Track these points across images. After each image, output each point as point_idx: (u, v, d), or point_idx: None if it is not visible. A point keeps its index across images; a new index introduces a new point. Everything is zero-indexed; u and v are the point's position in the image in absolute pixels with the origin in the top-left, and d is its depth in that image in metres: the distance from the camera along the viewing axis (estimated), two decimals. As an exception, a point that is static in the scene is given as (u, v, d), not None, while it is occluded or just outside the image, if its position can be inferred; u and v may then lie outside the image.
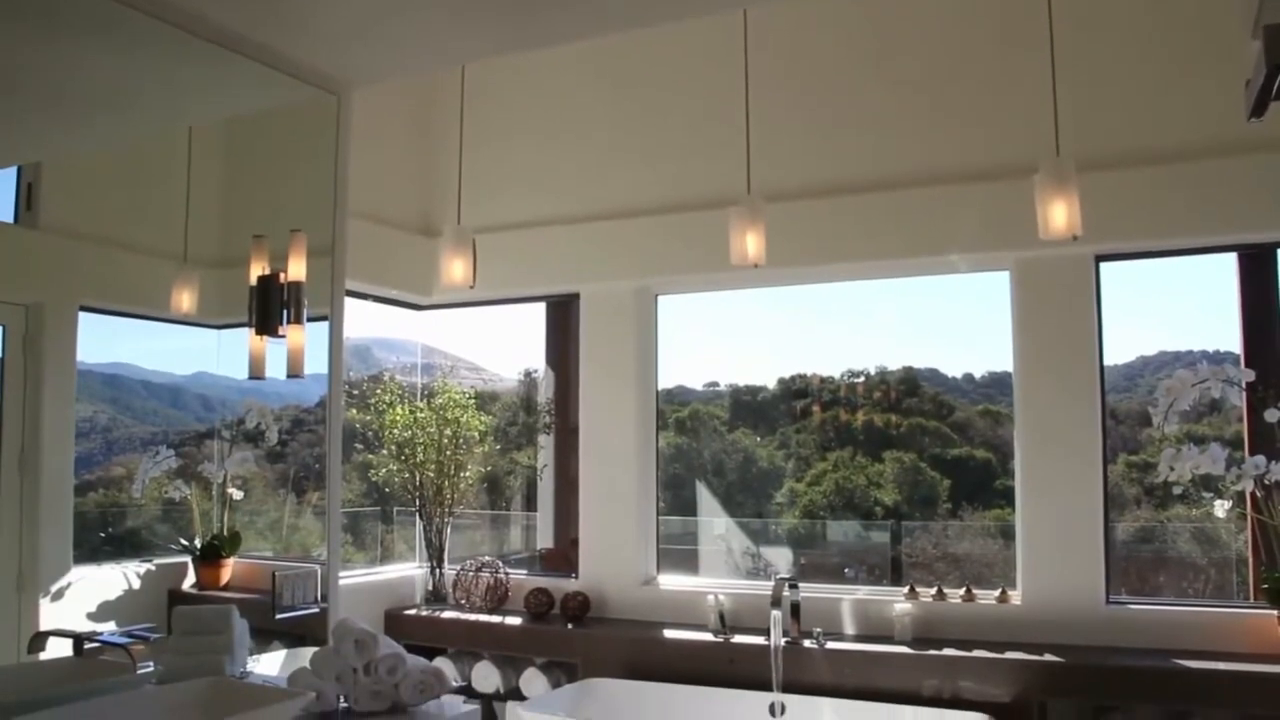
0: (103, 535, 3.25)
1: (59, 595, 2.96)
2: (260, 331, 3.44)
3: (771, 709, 4.38)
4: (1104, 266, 4.59)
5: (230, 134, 3.74)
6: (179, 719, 2.67)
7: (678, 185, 5.39)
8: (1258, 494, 4.16)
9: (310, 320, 3.52)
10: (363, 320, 5.86)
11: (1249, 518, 4.30)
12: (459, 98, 5.06)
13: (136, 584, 3.27)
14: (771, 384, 6.12)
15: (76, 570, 3.04)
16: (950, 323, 5.63)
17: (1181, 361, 4.63)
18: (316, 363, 3.63)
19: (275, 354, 3.49)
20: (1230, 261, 4.52)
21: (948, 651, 4.41)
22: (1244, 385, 4.24)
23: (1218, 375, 4.24)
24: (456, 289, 4.80)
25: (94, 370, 3.20)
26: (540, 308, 6.14)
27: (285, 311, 3.44)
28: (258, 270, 3.44)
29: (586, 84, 5.73)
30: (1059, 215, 3.67)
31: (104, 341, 3.22)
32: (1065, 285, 4.58)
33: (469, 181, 4.94)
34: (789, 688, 4.42)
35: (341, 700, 3.04)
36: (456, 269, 4.69)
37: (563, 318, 6.02)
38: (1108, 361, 4.59)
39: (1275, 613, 4.10)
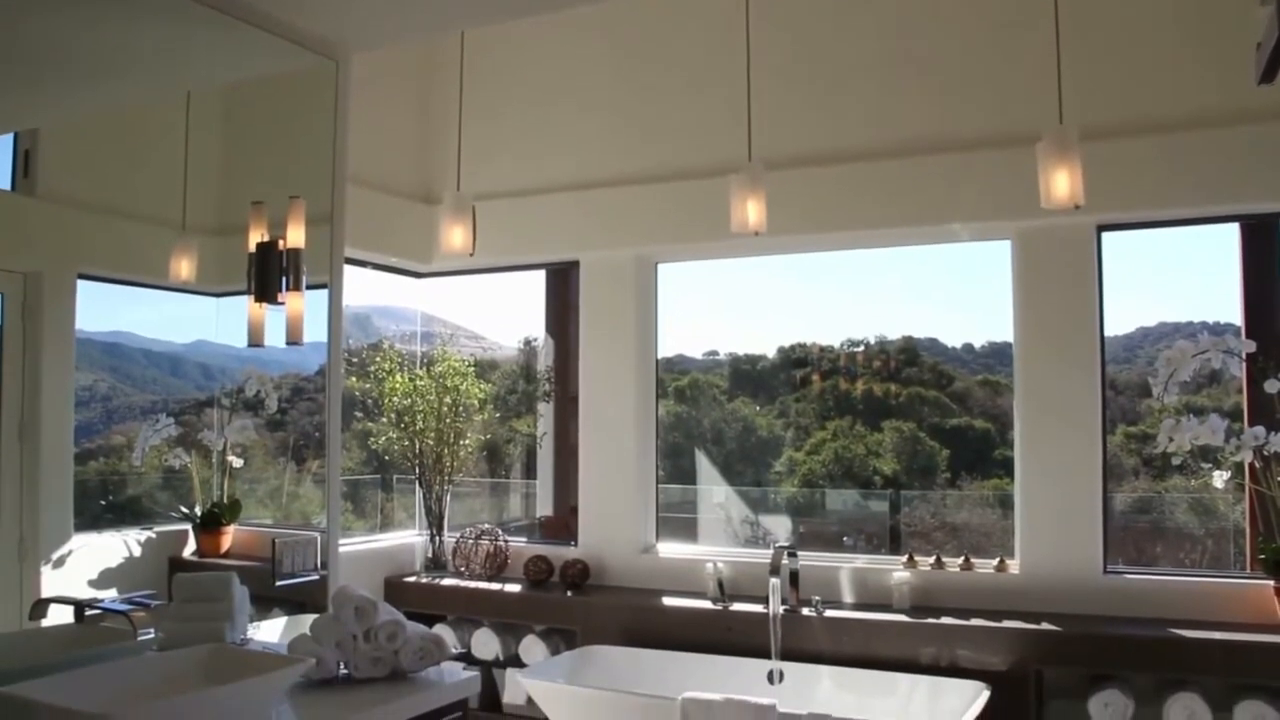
0: (103, 503, 3.25)
1: (60, 563, 2.97)
2: (259, 299, 3.43)
3: (770, 676, 4.41)
4: (1106, 236, 4.57)
5: (229, 101, 3.71)
6: (180, 685, 2.67)
7: (678, 153, 5.36)
8: (1256, 465, 4.17)
9: (309, 288, 3.51)
10: (362, 288, 5.85)
11: (1247, 488, 4.31)
12: (459, 64, 5.03)
13: (137, 552, 3.28)
14: (771, 353, 6.12)
15: (77, 538, 3.04)
16: (950, 293, 5.62)
17: (1181, 333, 4.63)
18: (316, 331, 3.62)
19: (274, 321, 3.48)
20: (1232, 232, 4.51)
21: (945, 620, 4.43)
22: (1244, 356, 4.24)
23: (1218, 346, 4.23)
24: (456, 256, 4.78)
25: (93, 339, 3.19)
26: (540, 275, 6.13)
27: (284, 278, 3.43)
28: (257, 237, 3.43)
29: (588, 50, 5.69)
30: (1061, 184, 3.65)
31: (103, 310, 3.21)
32: (1067, 255, 4.57)
33: (469, 148, 4.91)
34: (787, 655, 4.45)
35: (341, 667, 3.05)
36: (456, 236, 4.68)
37: (562, 285, 6.01)
38: (1108, 332, 4.58)
39: (1272, 583, 4.11)
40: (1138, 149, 4.38)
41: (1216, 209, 4.41)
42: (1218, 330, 4.46)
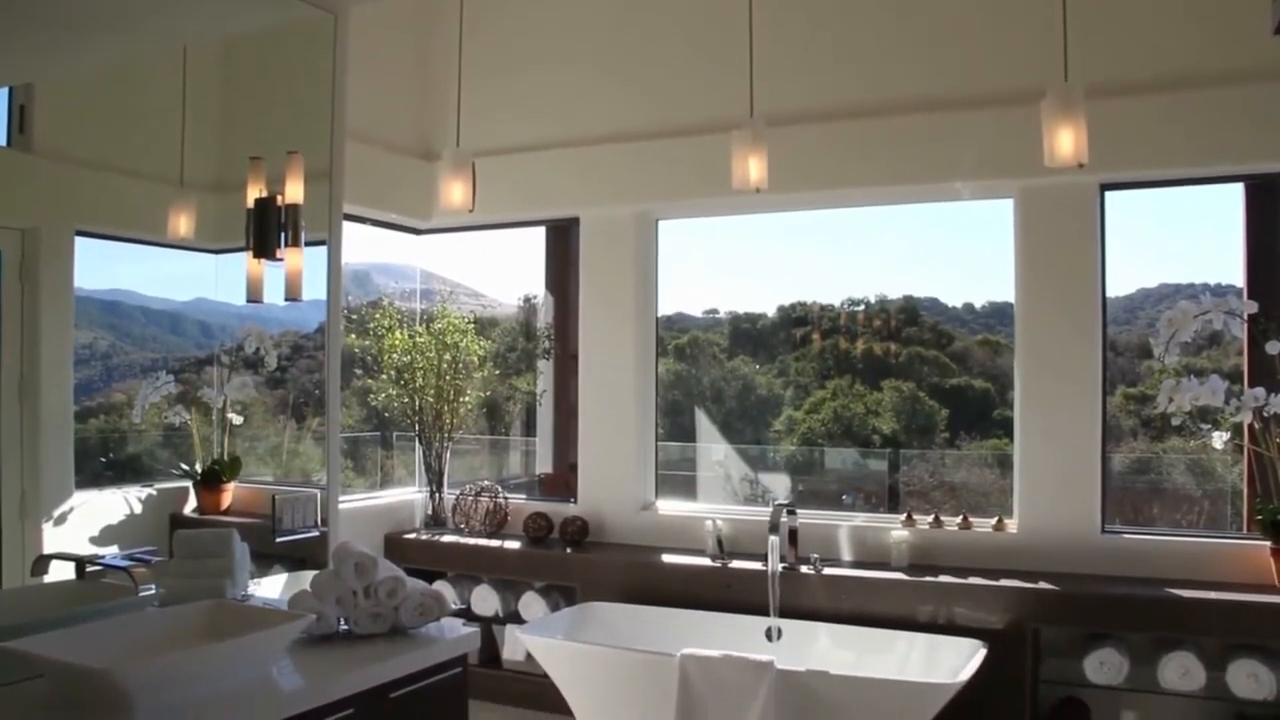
0: (104, 460, 3.25)
1: (61, 520, 2.97)
2: (258, 254, 3.41)
3: (768, 633, 4.44)
4: (1109, 196, 4.55)
5: (227, 55, 3.67)
6: (181, 641, 2.69)
7: (679, 109, 5.32)
8: (1255, 426, 4.17)
9: (308, 244, 3.49)
10: (361, 245, 5.83)
11: (1246, 450, 4.32)
12: (458, 19, 4.97)
13: (138, 509, 3.28)
14: (771, 311, 6.10)
15: (78, 495, 3.05)
16: (951, 252, 5.60)
17: (1183, 294, 4.62)
18: (315, 289, 3.60)
19: (273, 278, 3.46)
20: (1236, 192, 4.48)
21: (943, 578, 4.46)
22: (1245, 317, 4.23)
23: (1220, 307, 4.22)
24: (456, 213, 4.76)
25: (93, 296, 3.18)
26: (540, 232, 6.10)
27: (283, 234, 3.41)
28: (255, 193, 3.40)
29: (589, 4, 5.63)
30: (1065, 142, 3.61)
31: (102, 267, 3.19)
32: (1069, 214, 4.54)
33: (468, 104, 4.87)
34: (786, 612, 4.47)
35: (342, 623, 3.07)
36: (455, 192, 4.65)
37: (562, 242, 5.98)
38: (1108, 293, 4.57)
39: (1268, 544, 4.13)
40: (1142, 107, 4.34)
41: (1221, 169, 4.39)
42: (1219, 292, 4.45)
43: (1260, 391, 4.11)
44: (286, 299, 3.49)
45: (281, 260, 3.43)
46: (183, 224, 3.37)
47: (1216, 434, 4.30)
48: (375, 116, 5.48)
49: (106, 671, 2.28)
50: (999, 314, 5.59)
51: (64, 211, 3.05)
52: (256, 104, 3.75)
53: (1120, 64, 4.40)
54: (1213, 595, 4.05)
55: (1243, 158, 4.27)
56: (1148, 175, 4.48)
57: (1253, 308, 4.20)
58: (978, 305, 5.83)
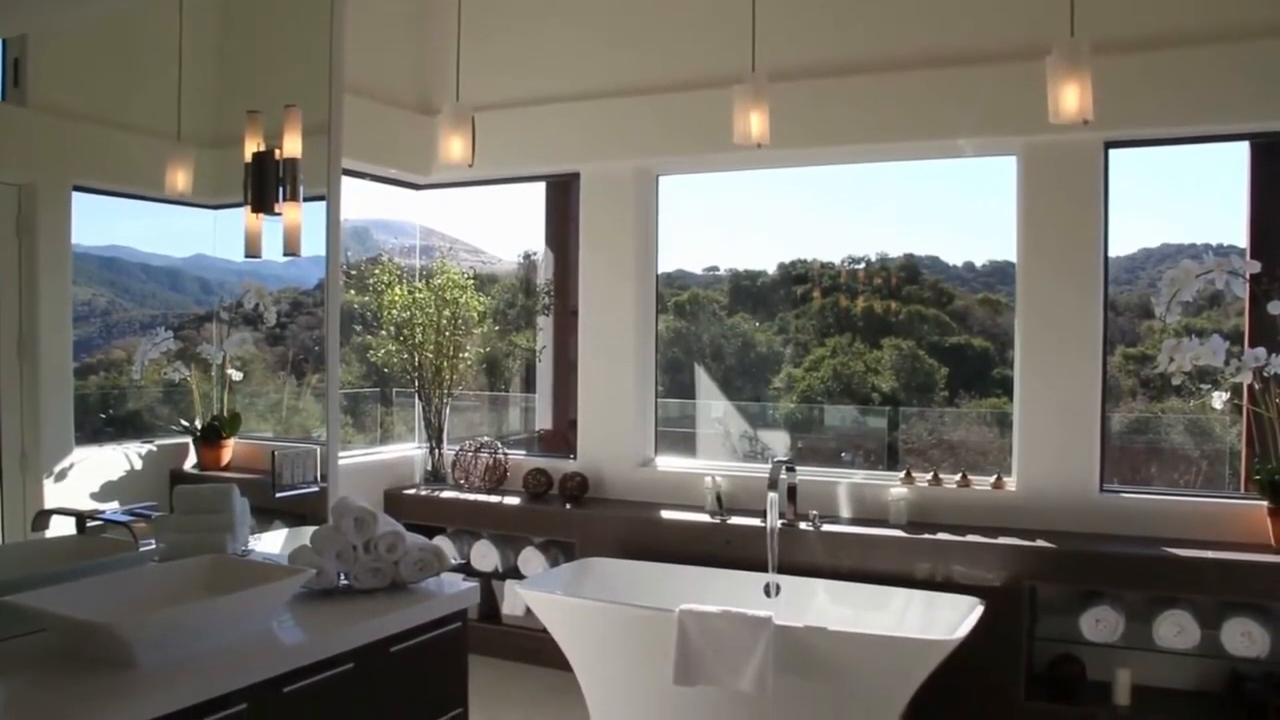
0: (104, 417, 3.25)
1: (62, 476, 2.97)
2: (256, 209, 3.39)
3: (766, 589, 4.46)
4: (1113, 154, 4.51)
5: (224, 7, 3.63)
6: (182, 595, 2.70)
7: (680, 63, 5.27)
8: (1256, 387, 4.17)
9: (308, 200, 3.47)
10: (360, 201, 5.80)
11: (1245, 410, 4.32)
12: (458, -30, 4.92)
13: (138, 464, 3.29)
14: (771, 269, 6.08)
15: (78, 451, 3.05)
16: (953, 210, 5.57)
17: (1185, 254, 4.60)
18: (314, 245, 3.59)
19: (272, 233, 3.44)
20: (1241, 152, 4.45)
21: (941, 536, 4.48)
22: (1248, 277, 4.21)
23: (1223, 266, 4.20)
24: (455, 168, 4.73)
25: (91, 253, 3.16)
26: (540, 188, 6.07)
27: (281, 189, 3.39)
28: (252, 146, 3.38)
29: (588, -43, 5.57)
30: (1070, 98, 3.57)
31: (100, 223, 3.17)
32: (1073, 172, 4.52)
33: (468, 58, 4.82)
34: (784, 569, 4.49)
35: (342, 578, 3.08)
36: (455, 147, 4.62)
37: (562, 198, 5.96)
38: (1109, 253, 4.55)
39: (1265, 504, 4.14)
40: (1149, 64, 4.30)
41: (1227, 127, 4.36)
42: (1221, 252, 4.43)
43: (1261, 352, 4.11)
44: (285, 254, 3.47)
45: (280, 215, 3.41)
46: (180, 179, 3.35)
47: (1216, 394, 4.30)
48: (374, 70, 5.44)
49: (108, 625, 2.30)
50: (999, 273, 5.57)
51: (60, 166, 3.02)
52: (254, 57, 3.71)
53: (1127, 19, 4.35)
54: (1209, 554, 4.07)
55: (1249, 116, 4.24)
56: (1153, 133, 4.45)
57: (1255, 267, 4.19)
58: (978, 264, 5.81)
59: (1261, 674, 4.10)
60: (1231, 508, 4.31)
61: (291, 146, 3.38)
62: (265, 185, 3.37)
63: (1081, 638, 4.21)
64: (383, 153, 5.53)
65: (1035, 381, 4.62)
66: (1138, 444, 5.10)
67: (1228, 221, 4.57)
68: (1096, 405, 4.49)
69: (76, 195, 3.05)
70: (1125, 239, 4.69)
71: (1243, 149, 4.44)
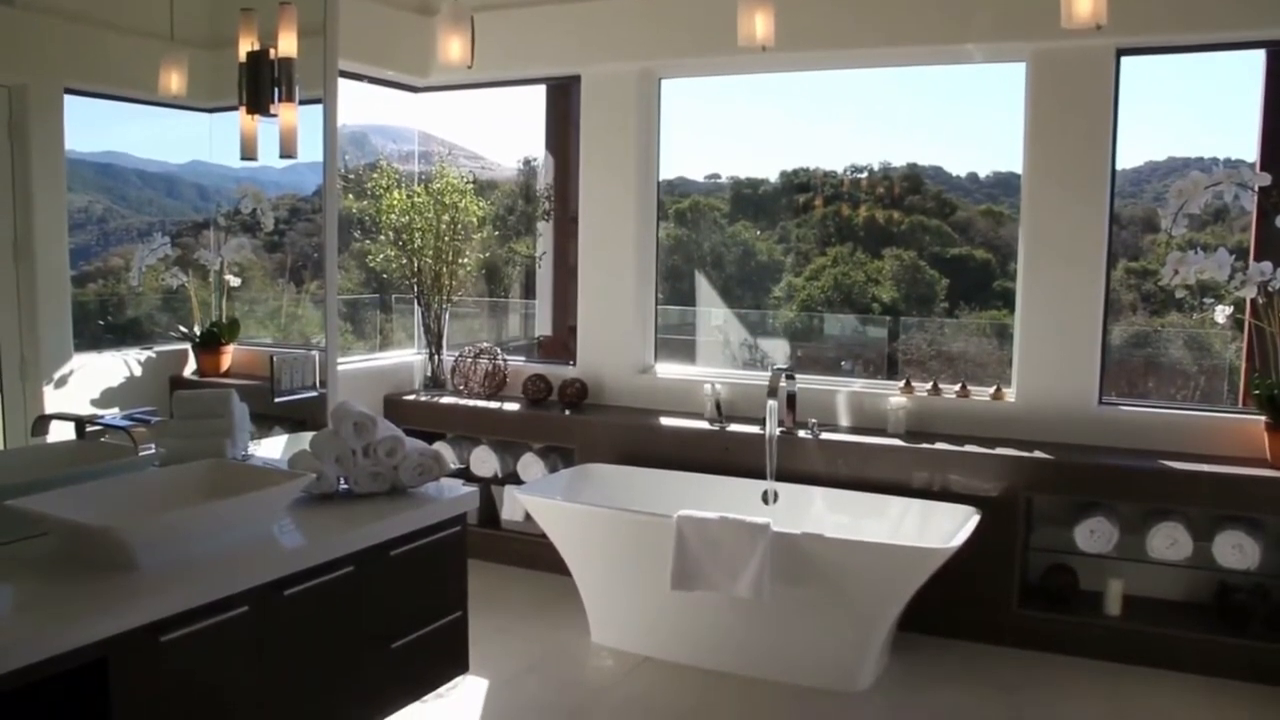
0: (102, 324, 3.24)
1: (62, 383, 2.97)
2: (251, 110, 3.34)
3: (764, 496, 4.49)
4: (1125, 61, 4.42)
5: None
6: (182, 499, 2.72)
7: (685, -36, 5.15)
8: (1259, 301, 4.15)
9: (304, 104, 3.41)
10: (359, 106, 5.71)
11: (1247, 324, 4.30)
12: None
13: (138, 371, 3.28)
14: (773, 177, 6.03)
15: (78, 358, 3.04)
16: (958, 119, 5.49)
17: (1191, 168, 4.53)
18: (312, 151, 3.54)
19: (268, 135, 3.40)
20: (1256, 61, 4.36)
21: (940, 445, 4.49)
22: (1256, 190, 4.15)
23: (1232, 178, 4.13)
24: (454, 70, 4.63)
25: (86, 159, 3.12)
26: (540, 91, 5.98)
27: (276, 89, 3.34)
28: (246, 46, 3.31)
29: None
30: (1083, 1, 3.49)
31: (94, 128, 3.12)
32: (1083, 80, 4.43)
33: (467, -44, 4.71)
34: (782, 476, 4.52)
35: (341, 482, 3.10)
36: (454, 48, 4.52)
37: (563, 102, 5.87)
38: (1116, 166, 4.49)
39: (1263, 419, 4.15)
40: (1165, -33, 4.20)
41: (1245, 34, 4.25)
42: (1229, 165, 4.36)
43: (1267, 266, 4.07)
44: (282, 156, 3.43)
45: (275, 116, 3.36)
46: (174, 81, 3.29)
47: (1220, 308, 4.28)
48: (371, -33, 5.31)
49: (110, 529, 2.32)
50: (1003, 184, 5.52)
51: (51, 68, 2.96)
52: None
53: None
54: (1205, 468, 4.09)
55: (1267, 22, 4.14)
56: (1168, 40, 4.35)
57: (1265, 180, 4.12)
58: (982, 175, 5.76)
59: (1250, 585, 4.15)
60: (1229, 422, 4.32)
61: (287, 46, 3.32)
62: (260, 85, 3.32)
63: (1075, 548, 4.26)
64: (380, 54, 5.43)
65: (1037, 294, 4.59)
66: (1136, 358, 5.10)
67: (1236, 135, 4.50)
68: (1098, 318, 4.47)
69: (69, 98, 3.00)
70: (1131, 151, 4.62)
71: (1258, 58, 4.35)
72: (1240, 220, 4.44)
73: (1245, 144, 4.42)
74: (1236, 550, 4.01)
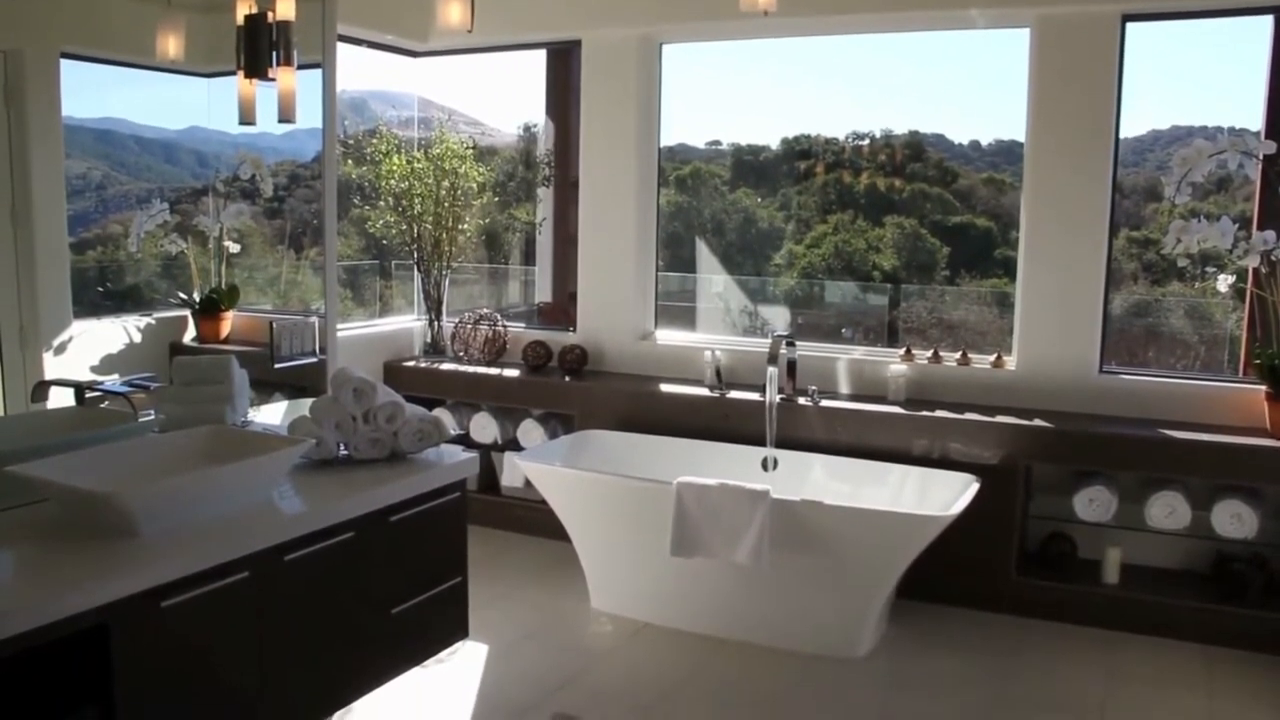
0: (101, 290, 3.23)
1: (61, 349, 2.97)
2: (249, 74, 3.32)
3: (764, 463, 4.50)
4: (1130, 28, 4.39)
5: None
6: (183, 465, 2.72)
7: (687, -73, 5.10)
8: (1262, 270, 4.13)
9: (303, 68, 3.39)
10: (358, 71, 5.67)
11: (1248, 294, 4.29)
12: None
13: (137, 338, 3.28)
14: (775, 144, 5.99)
15: (77, 324, 3.04)
16: (961, 86, 5.45)
17: (1195, 136, 4.50)
18: (311, 118, 3.52)
19: (266, 100, 3.38)
20: (1264, 27, 4.32)
21: (940, 413, 4.49)
22: (1261, 158, 4.13)
23: (1237, 146, 4.09)
24: (454, 34, 4.61)
25: (84, 125, 3.10)
26: (540, 57, 5.93)
27: (275, 53, 3.32)
28: (244, 9, 3.29)
29: None
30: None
31: (91, 93, 3.10)
32: (1087, 46, 4.39)
33: (467, -82, 4.66)
34: (782, 443, 4.53)
35: (341, 448, 3.10)
36: (454, 12, 4.48)
37: (563, 67, 5.83)
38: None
39: (1263, 388, 4.15)
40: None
41: None
42: (1234, 134, 4.32)
43: (1270, 235, 4.05)
44: (280, 120, 3.41)
45: (274, 80, 3.34)
46: (172, 45, 3.26)
47: (1222, 276, 4.26)
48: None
49: (111, 494, 2.32)
50: (1006, 152, 5.49)
51: (47, 32, 2.94)
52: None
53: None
54: (1204, 437, 4.09)
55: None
56: (1173, 5, 4.31)
57: (1270, 148, 4.09)
58: (984, 143, 5.72)
59: (1248, 555, 4.17)
60: (1229, 391, 4.32)
61: (285, 9, 3.31)
62: (258, 49, 3.30)
63: (1074, 517, 4.27)
64: (379, 18, 5.38)
65: (1039, 262, 4.58)
66: (1136, 327, 5.09)
67: (1241, 103, 4.47)
68: (1100, 287, 4.46)
69: (65, 63, 2.98)
70: (1134, 119, 4.58)
71: (1265, 24, 4.31)
72: (1243, 190, 4.42)
73: (1249, 112, 4.38)
74: (1235, 520, 4.02)
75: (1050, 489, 4.45)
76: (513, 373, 5.41)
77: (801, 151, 5.91)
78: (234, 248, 3.61)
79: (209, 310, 3.51)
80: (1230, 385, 4.36)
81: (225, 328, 3.56)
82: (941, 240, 5.71)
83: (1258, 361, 4.15)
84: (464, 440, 5.35)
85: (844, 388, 4.92)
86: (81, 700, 2.16)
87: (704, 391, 4.96)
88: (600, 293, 5.52)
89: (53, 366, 2.92)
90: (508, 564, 4.90)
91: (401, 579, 2.99)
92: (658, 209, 5.52)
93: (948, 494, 4.12)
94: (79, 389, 2.93)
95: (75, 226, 3.07)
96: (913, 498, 4.30)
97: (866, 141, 5.81)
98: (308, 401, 3.21)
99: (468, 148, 5.69)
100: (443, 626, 3.21)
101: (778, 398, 4.49)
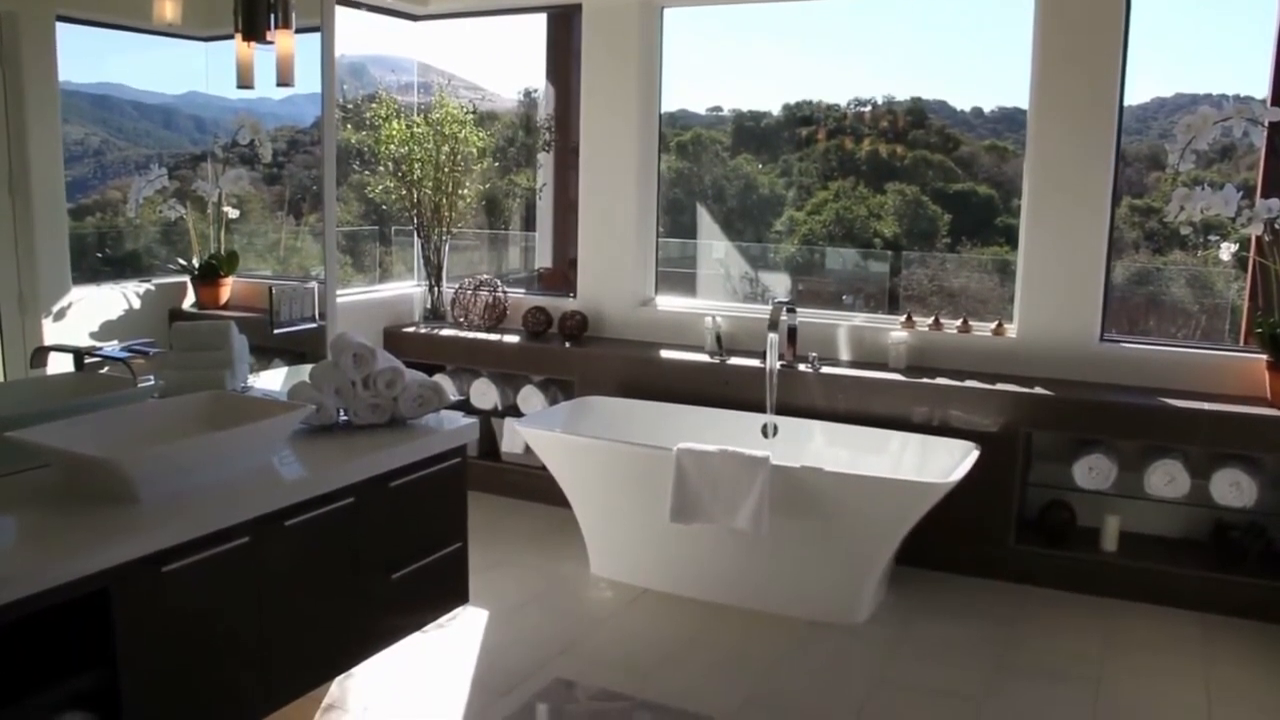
0: (100, 256, 3.22)
1: (60, 315, 2.96)
2: (247, 37, 3.29)
3: (764, 430, 4.50)
4: (1137, -8, 4.35)
5: None
6: (182, 431, 2.72)
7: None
8: (1265, 239, 4.12)
9: (302, 32, 3.36)
10: (357, 35, 5.62)
11: (1251, 262, 4.27)
12: None
13: (136, 304, 3.27)
14: (776, 110, 5.95)
15: (76, 291, 3.02)
16: (963, 53, 5.41)
17: (1200, 104, 4.46)
18: (310, 83, 3.49)
19: (264, 64, 3.35)
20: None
21: (940, 380, 4.49)
22: (1266, 125, 4.09)
23: (1243, 113, 4.06)
24: (454, -3, 4.58)
25: (81, 90, 3.07)
26: (540, 21, 5.89)
27: (273, 15, 3.29)
28: (242, -29, 3.26)
29: None
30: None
31: (88, 59, 3.07)
32: (1092, 13, 4.35)
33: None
34: (782, 410, 4.52)
35: (341, 413, 3.10)
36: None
37: (564, 31, 5.78)
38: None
39: (1264, 357, 4.14)
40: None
41: (1256, -34, 4.19)
42: (1239, 101, 4.29)
43: (1274, 203, 4.02)
44: (279, 84, 3.38)
45: (272, 44, 3.31)
46: (169, 8, 3.23)
47: (1225, 245, 4.25)
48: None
49: (111, 460, 2.32)
50: (1008, 119, 5.46)
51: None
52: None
53: None
54: (1205, 406, 4.09)
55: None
56: (1176, -28, 4.29)
57: (1276, 115, 4.06)
58: (986, 110, 5.69)
59: (1246, 523, 4.18)
60: (1230, 360, 4.31)
61: (282, -29, 3.27)
62: (256, 11, 3.27)
63: (1074, 485, 4.27)
64: (378, -21, 5.34)
65: (1040, 230, 4.56)
66: (1138, 295, 5.08)
67: (1246, 70, 4.43)
68: (1101, 256, 4.44)
69: (61, 26, 2.95)
70: (1138, 87, 4.55)
71: (1271, -9, 4.28)
72: (1247, 158, 4.39)
73: (1257, 79, 4.35)
74: (1234, 488, 4.03)
75: (1050, 457, 4.45)
76: (513, 339, 5.40)
77: (803, 118, 5.88)
78: (233, 213, 3.59)
79: (208, 276, 3.49)
80: (1231, 354, 4.35)
81: (225, 294, 3.55)
82: (943, 207, 5.68)
83: (1259, 330, 4.14)
84: (464, 406, 5.35)
85: (844, 354, 4.91)
86: (83, 666, 2.17)
87: (704, 358, 4.96)
88: (601, 258, 5.50)
89: (52, 333, 2.92)
90: (508, 530, 4.91)
91: (402, 544, 3.00)
92: (658, 175, 5.49)
93: (947, 461, 4.12)
94: (78, 355, 2.92)
95: (74, 193, 3.05)
96: (912, 465, 4.30)
97: (868, 108, 5.77)
98: (307, 367, 3.20)
99: (468, 113, 5.66)
100: (443, 592, 3.22)
101: (778, 364, 4.48)
